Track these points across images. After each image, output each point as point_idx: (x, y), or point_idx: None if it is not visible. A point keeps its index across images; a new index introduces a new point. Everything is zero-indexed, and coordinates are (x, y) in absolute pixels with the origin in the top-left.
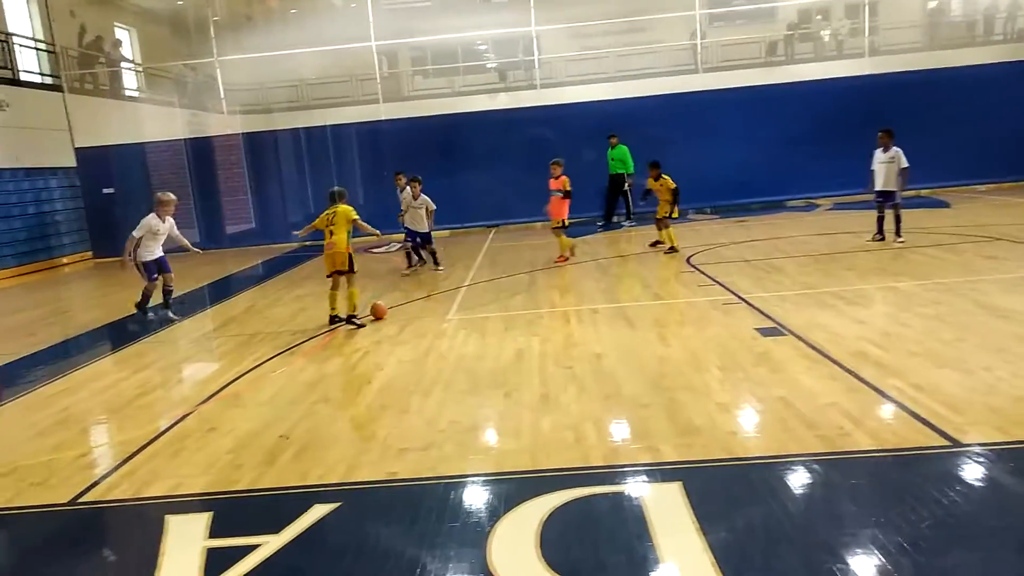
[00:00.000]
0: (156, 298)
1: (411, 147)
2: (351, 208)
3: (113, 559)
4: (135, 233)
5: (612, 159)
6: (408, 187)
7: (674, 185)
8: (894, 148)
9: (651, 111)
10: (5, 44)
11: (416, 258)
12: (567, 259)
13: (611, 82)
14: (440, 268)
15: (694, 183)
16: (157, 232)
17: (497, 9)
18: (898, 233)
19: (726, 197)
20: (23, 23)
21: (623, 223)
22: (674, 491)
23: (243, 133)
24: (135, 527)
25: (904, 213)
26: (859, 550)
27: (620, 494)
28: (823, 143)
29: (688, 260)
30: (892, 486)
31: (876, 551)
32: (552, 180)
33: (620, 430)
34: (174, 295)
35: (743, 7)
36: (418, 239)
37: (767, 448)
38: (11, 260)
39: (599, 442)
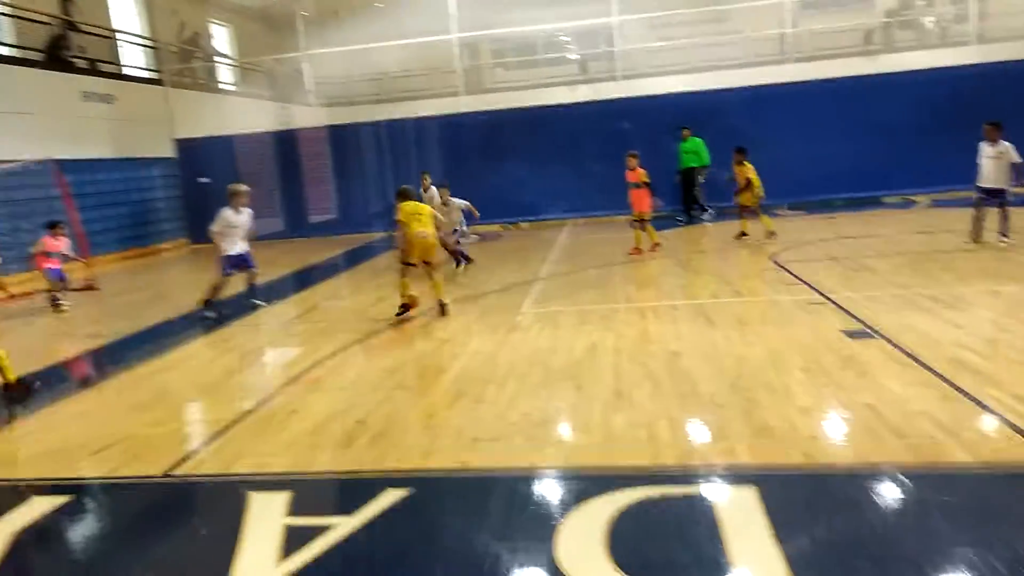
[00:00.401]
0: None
1: (491, 139)
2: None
3: (200, 530)
4: (213, 228)
5: (684, 152)
6: (434, 189)
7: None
8: (1003, 142)
9: (735, 103)
10: (112, 40)
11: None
12: (641, 252)
13: (693, 73)
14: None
15: (780, 178)
16: (234, 225)
17: (578, 0)
18: (1005, 233)
19: (814, 192)
20: (128, 20)
21: (696, 218)
22: (749, 495)
23: (327, 125)
24: (221, 501)
25: (1012, 212)
26: (951, 572)
27: (692, 495)
28: (923, 137)
29: (772, 257)
30: (989, 504)
31: (969, 574)
32: (629, 172)
33: (695, 430)
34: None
35: None
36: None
37: (850, 456)
38: (115, 245)
39: (672, 441)
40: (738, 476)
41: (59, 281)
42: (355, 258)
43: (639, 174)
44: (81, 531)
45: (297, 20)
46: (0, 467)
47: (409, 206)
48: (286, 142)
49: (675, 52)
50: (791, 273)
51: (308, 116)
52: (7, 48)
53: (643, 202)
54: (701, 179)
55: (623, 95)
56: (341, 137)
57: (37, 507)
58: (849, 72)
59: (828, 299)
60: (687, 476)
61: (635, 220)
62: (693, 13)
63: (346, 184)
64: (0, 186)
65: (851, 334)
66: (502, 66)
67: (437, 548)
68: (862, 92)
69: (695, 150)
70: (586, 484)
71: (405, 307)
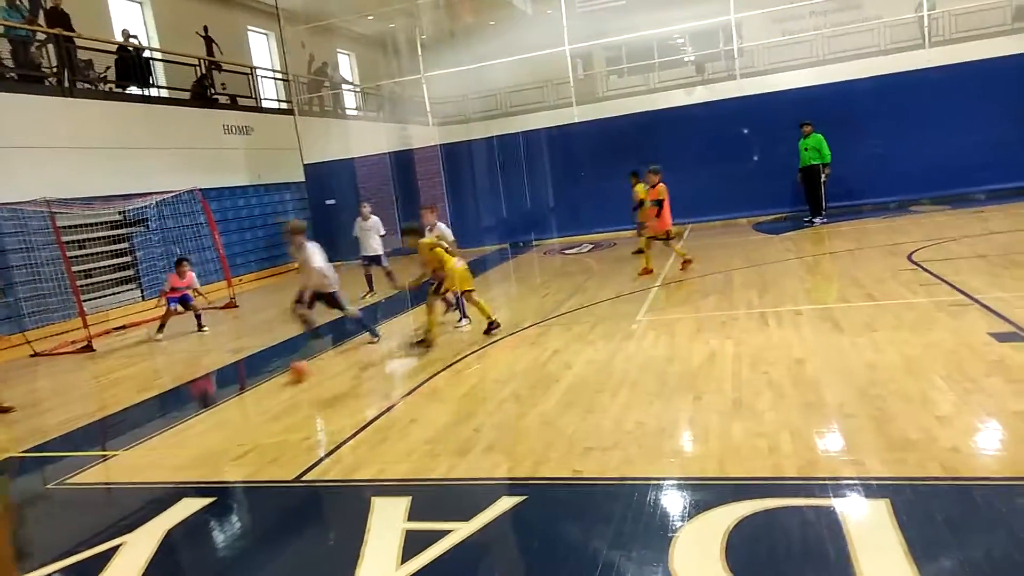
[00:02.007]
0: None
1: (604, 147)
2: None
3: (328, 532)
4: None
5: (805, 149)
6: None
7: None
8: None
9: (867, 94)
10: (250, 77)
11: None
12: (690, 262)
13: (820, 66)
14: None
15: (919, 170)
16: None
17: (694, 1)
18: None
19: (957, 185)
20: (264, 57)
21: (815, 220)
22: (880, 509)
23: (441, 144)
24: (346, 505)
25: None
26: None
27: (817, 508)
28: None
29: (909, 256)
30: None
31: None
32: (649, 189)
33: (820, 440)
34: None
35: None
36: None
37: (997, 469)
38: (253, 265)
39: (795, 452)
40: (868, 488)
41: (184, 304)
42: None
43: (659, 190)
44: (223, 530)
45: (417, 44)
46: (156, 471)
47: (431, 241)
48: (403, 162)
49: (799, 45)
50: (931, 273)
51: (424, 135)
52: (160, 90)
53: (664, 220)
54: (824, 177)
55: (743, 94)
56: (455, 154)
57: (187, 507)
58: (995, 53)
59: (974, 300)
60: (811, 487)
61: (660, 239)
62: (820, 3)
63: (459, 200)
64: (155, 215)
65: (1000, 337)
66: (616, 73)
67: (551, 555)
68: (1010, 74)
69: (816, 147)
70: (703, 494)
71: (423, 341)
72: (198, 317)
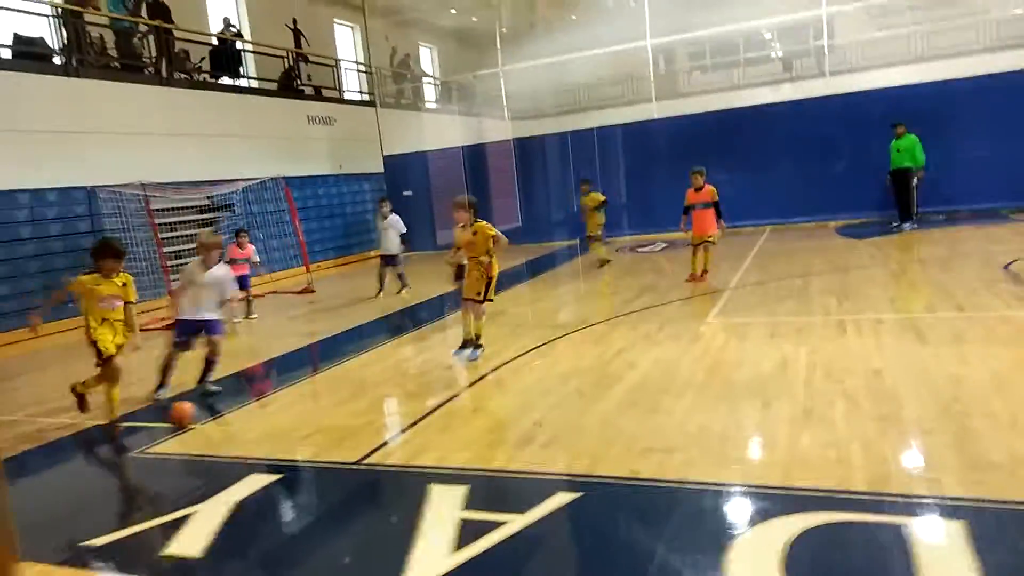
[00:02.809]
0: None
1: (682, 145)
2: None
3: (385, 515)
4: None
5: (897, 150)
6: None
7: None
8: None
9: (967, 94)
10: (335, 69)
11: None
12: (696, 278)
13: (917, 64)
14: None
15: (1019, 176)
16: (199, 282)
17: None
18: None
19: None
20: (348, 49)
21: (903, 225)
22: (955, 531)
23: (516, 138)
24: (404, 490)
25: None
26: None
27: (885, 525)
28: None
29: (1006, 267)
30: None
31: None
32: (692, 192)
33: (893, 455)
34: None
35: None
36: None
37: None
38: (332, 252)
39: (866, 465)
40: (943, 508)
41: (243, 291)
42: (538, 267)
43: (709, 192)
44: (286, 506)
45: (497, 37)
46: (227, 446)
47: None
48: (478, 155)
49: (894, 42)
50: None
51: (500, 129)
52: (250, 80)
53: (711, 224)
54: (916, 181)
55: (832, 92)
56: (528, 148)
57: (254, 482)
58: None
59: None
60: (880, 503)
61: (698, 243)
62: None
63: (531, 195)
64: (241, 200)
65: None
66: (699, 69)
67: (604, 554)
68: None
69: (909, 148)
70: (764, 503)
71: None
72: (249, 303)
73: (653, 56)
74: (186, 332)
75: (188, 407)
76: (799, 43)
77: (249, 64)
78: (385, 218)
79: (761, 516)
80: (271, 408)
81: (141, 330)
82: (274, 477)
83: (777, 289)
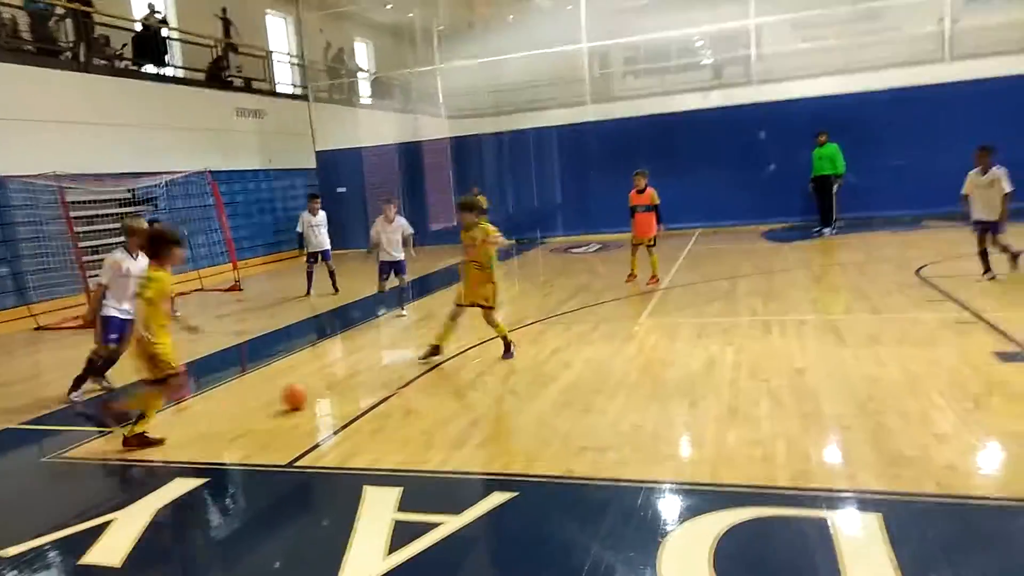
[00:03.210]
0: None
1: (616, 148)
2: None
3: (317, 518)
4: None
5: (819, 158)
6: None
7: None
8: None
9: (884, 106)
10: (266, 61)
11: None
12: (654, 280)
13: (837, 75)
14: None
15: (932, 185)
16: (126, 274)
17: (715, 4)
18: None
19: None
20: (281, 41)
21: (824, 231)
22: (872, 523)
23: (452, 136)
24: (338, 493)
25: None
26: None
27: (808, 519)
28: None
29: (917, 271)
30: None
31: None
32: (635, 193)
33: (815, 451)
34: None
35: None
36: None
37: (994, 488)
38: (260, 250)
39: (789, 462)
40: (861, 502)
41: None
42: None
43: (649, 195)
44: (213, 511)
45: (434, 34)
46: (151, 450)
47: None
48: (414, 153)
49: (818, 54)
50: (939, 289)
51: (436, 127)
52: (175, 69)
53: (651, 226)
54: (836, 188)
55: (759, 100)
56: (464, 147)
57: (178, 487)
58: (1017, 71)
59: (980, 318)
60: (803, 498)
61: (645, 245)
62: (842, 12)
63: (467, 193)
64: (164, 195)
65: (1004, 357)
66: (632, 74)
67: (539, 553)
68: None
69: (831, 156)
70: (695, 499)
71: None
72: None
73: (589, 59)
74: (116, 330)
75: (302, 388)
76: (728, 52)
77: (175, 53)
78: (315, 214)
79: (691, 512)
80: (197, 410)
81: (51, 329)
82: (200, 481)
83: (706, 290)
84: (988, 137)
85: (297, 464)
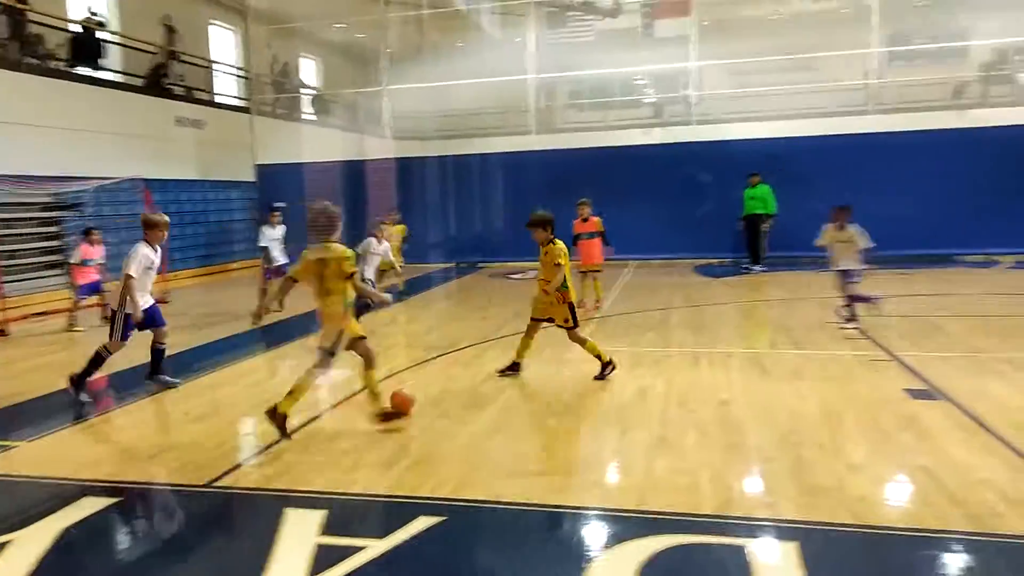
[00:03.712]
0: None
1: (558, 178)
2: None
3: (235, 541)
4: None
5: (751, 198)
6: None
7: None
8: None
9: (813, 152)
10: (208, 70)
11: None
12: (585, 306)
13: (772, 120)
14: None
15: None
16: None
17: (658, 45)
18: None
19: (889, 247)
20: (226, 52)
21: (753, 268)
22: (789, 551)
23: (397, 158)
24: (257, 514)
25: None
26: None
27: (728, 546)
28: (1010, 195)
29: (838, 310)
30: None
31: None
32: (579, 222)
33: (738, 481)
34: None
35: (928, 45)
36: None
37: (902, 519)
38: (193, 262)
39: (713, 491)
40: (779, 530)
41: (95, 294)
42: (412, 288)
43: (594, 223)
44: (123, 533)
45: (382, 56)
46: (59, 466)
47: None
48: (359, 172)
49: (753, 99)
50: (857, 328)
51: (382, 148)
52: (113, 74)
53: (597, 253)
54: (766, 227)
55: (698, 139)
56: (409, 170)
57: (87, 506)
58: (935, 125)
59: (894, 357)
60: (725, 526)
61: (586, 272)
62: (775, 61)
63: (410, 215)
64: (93, 201)
65: (915, 394)
66: (576, 107)
67: None
68: (947, 146)
69: (762, 197)
70: (621, 526)
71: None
72: (106, 307)
73: (535, 91)
74: (132, 327)
75: (409, 392)
76: (669, 91)
77: (113, 56)
78: (274, 227)
79: (617, 539)
80: (111, 426)
81: None
82: (111, 500)
83: (640, 320)
84: (902, 186)
85: (216, 484)
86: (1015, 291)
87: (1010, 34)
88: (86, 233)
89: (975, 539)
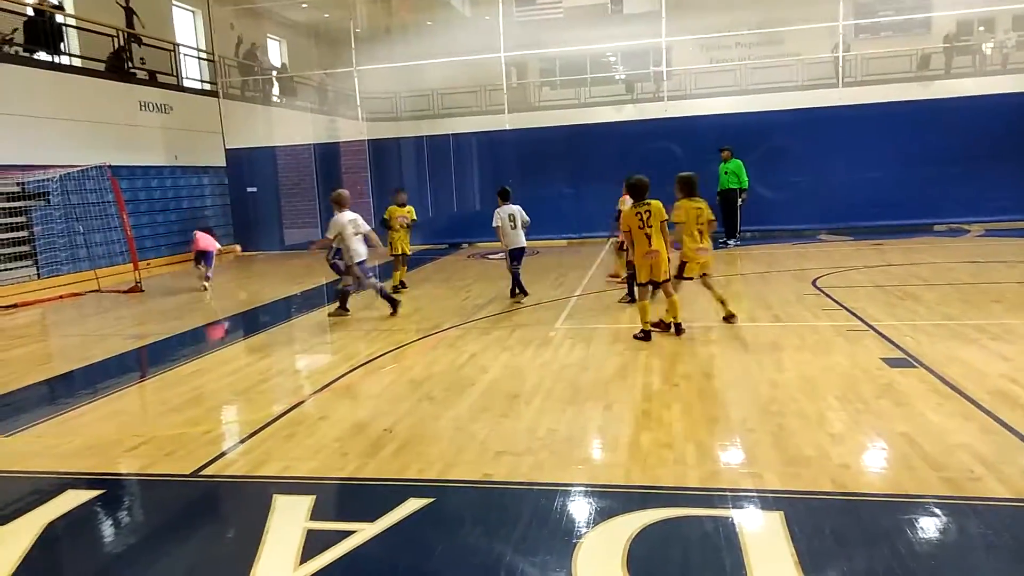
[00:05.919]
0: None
1: (533, 156)
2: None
3: (224, 529)
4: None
5: (724, 172)
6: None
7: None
8: None
9: (784, 126)
10: (173, 54)
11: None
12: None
13: (742, 95)
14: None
15: (825, 201)
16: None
17: (628, 21)
18: None
19: (861, 218)
20: (189, 34)
21: (728, 242)
22: (774, 520)
23: (370, 139)
24: (246, 502)
25: None
26: None
27: (715, 518)
28: (977, 164)
29: (814, 282)
30: None
31: None
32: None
33: (722, 453)
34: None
35: (894, 17)
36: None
37: (882, 485)
38: (165, 250)
39: (698, 463)
40: (764, 500)
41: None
42: (388, 269)
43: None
44: (109, 524)
45: (351, 36)
46: (40, 459)
47: (639, 209)
48: (331, 154)
49: (724, 74)
50: (833, 299)
51: (353, 130)
52: (72, 58)
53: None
54: (740, 201)
55: (669, 115)
56: (383, 150)
57: (71, 499)
58: (902, 97)
59: (869, 326)
60: (711, 498)
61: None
62: (745, 36)
63: (384, 197)
64: (58, 189)
65: (891, 363)
66: (549, 85)
67: (456, 558)
68: (914, 117)
69: (735, 171)
70: (609, 501)
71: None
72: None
73: (506, 68)
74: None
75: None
76: (641, 68)
77: (72, 41)
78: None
79: (605, 514)
80: (93, 416)
81: None
82: (95, 493)
83: (619, 296)
84: (873, 157)
85: (202, 473)
86: (984, 259)
87: (972, 5)
88: None
89: (954, 503)
